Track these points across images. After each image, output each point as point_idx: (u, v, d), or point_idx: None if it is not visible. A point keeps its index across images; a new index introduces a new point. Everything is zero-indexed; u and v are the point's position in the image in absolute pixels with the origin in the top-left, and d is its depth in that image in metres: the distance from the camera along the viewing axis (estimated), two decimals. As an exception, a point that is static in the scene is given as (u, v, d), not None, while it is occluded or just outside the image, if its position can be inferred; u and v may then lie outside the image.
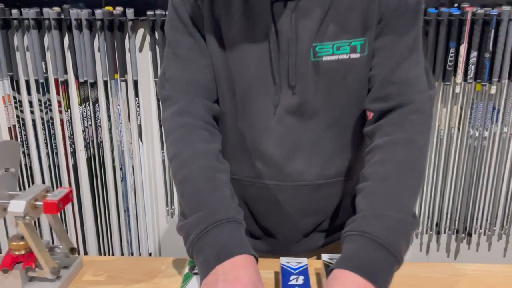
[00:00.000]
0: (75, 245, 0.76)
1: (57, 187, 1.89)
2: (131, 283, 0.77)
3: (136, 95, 1.78)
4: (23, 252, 0.70)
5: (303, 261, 0.76)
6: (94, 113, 1.81)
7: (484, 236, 1.91)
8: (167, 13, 0.82)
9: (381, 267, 0.60)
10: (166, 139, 0.79)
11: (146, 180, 1.91)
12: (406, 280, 0.78)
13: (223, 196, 0.69)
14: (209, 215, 0.65)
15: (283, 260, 0.76)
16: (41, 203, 0.65)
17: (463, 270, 0.80)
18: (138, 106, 1.80)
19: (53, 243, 0.79)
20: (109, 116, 1.81)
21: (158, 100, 1.78)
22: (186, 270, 0.73)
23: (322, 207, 0.88)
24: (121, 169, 1.88)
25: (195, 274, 0.71)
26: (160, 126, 1.81)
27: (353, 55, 0.74)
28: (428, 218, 1.88)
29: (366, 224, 0.63)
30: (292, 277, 0.71)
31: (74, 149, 1.86)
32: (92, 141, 1.84)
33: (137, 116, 1.81)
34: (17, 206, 0.62)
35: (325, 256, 0.77)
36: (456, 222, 1.88)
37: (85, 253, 1.98)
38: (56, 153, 1.86)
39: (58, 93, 1.79)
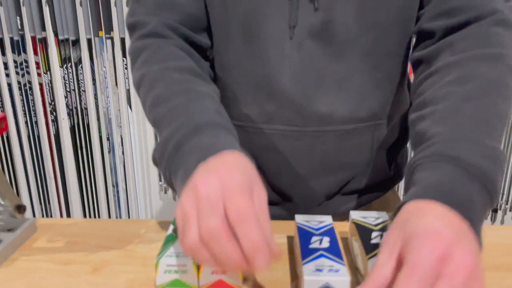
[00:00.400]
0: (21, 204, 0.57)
1: (36, 158, 1.70)
2: (98, 250, 0.58)
3: (124, 55, 1.58)
4: None
5: (327, 219, 0.57)
6: (77, 76, 1.61)
7: (510, 212, 1.73)
8: None
9: (476, 202, 0.42)
10: (131, 70, 0.64)
11: (137, 151, 1.71)
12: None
13: (203, 104, 0.55)
14: (186, 122, 0.52)
15: (300, 218, 0.57)
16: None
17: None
18: (126, 68, 1.60)
19: (-5, 199, 0.60)
20: (93, 80, 1.62)
21: (148, 59, 1.58)
22: (170, 231, 0.53)
23: (349, 161, 0.69)
24: (108, 139, 1.69)
25: (181, 235, 0.52)
26: (151, 90, 1.61)
27: None
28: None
29: (453, 148, 0.45)
30: (314, 238, 0.51)
31: (55, 116, 1.66)
32: (76, 107, 1.65)
33: (125, 80, 1.62)
34: None
35: (355, 214, 0.57)
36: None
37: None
38: (36, 122, 1.67)
39: (35, 53, 1.59)
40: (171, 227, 0.55)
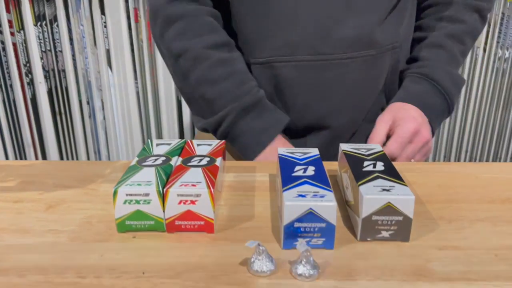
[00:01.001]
0: None
1: (13, 124, 1.62)
2: (54, 189, 0.51)
3: (102, 12, 1.49)
4: None
5: (313, 151, 0.50)
6: (53, 35, 1.52)
7: None
8: None
9: (438, 111, 0.69)
10: (162, 33, 0.67)
11: (119, 116, 1.63)
12: (464, 180, 0.53)
13: (249, 86, 0.65)
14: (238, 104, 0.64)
15: (282, 150, 0.50)
16: None
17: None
18: (105, 26, 1.51)
19: None
20: (70, 39, 1.52)
21: (128, 17, 1.49)
22: (133, 162, 0.47)
23: (373, 88, 0.70)
24: (88, 103, 1.60)
25: (146, 166, 0.45)
26: (132, 50, 1.53)
27: None
28: (445, 157, 1.64)
29: (434, 73, 0.69)
30: (298, 167, 0.45)
31: (31, 79, 1.57)
32: (53, 69, 1.56)
33: (105, 39, 1.52)
34: None
35: (345, 146, 0.51)
36: (477, 160, 1.65)
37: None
38: (11, 85, 1.58)
39: (8, 10, 1.49)
40: (136, 159, 0.48)
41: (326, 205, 0.38)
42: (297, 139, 0.69)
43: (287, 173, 0.44)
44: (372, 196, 0.39)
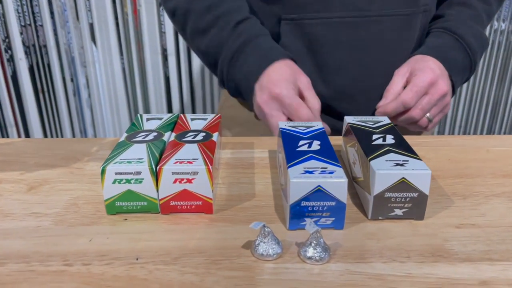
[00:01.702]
0: None
1: (-7, 102, 1.55)
2: (36, 168, 0.47)
3: (84, -17, 1.41)
4: None
5: (317, 124, 0.47)
6: (32, 8, 1.44)
7: None
8: None
9: (459, 65, 0.65)
10: None
11: (105, 93, 1.58)
12: (475, 154, 0.50)
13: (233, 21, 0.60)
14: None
15: (283, 124, 0.47)
16: None
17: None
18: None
19: None
20: (51, 13, 1.45)
21: (112, -11, 1.42)
22: (122, 138, 0.43)
23: (406, 49, 0.66)
24: (72, 80, 1.54)
25: (137, 142, 0.41)
26: (117, 25, 1.46)
27: None
28: (438, 132, 1.63)
29: (457, 27, 0.65)
30: (302, 142, 0.42)
31: (11, 55, 1.50)
32: (34, 45, 1.48)
33: (88, 13, 1.45)
34: None
35: (350, 119, 0.48)
36: (471, 134, 1.63)
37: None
38: (-10, 62, 1.50)
39: (-17, -18, 1.41)
40: (124, 135, 0.44)
41: (336, 182, 0.35)
42: (329, 104, 0.65)
43: (290, 148, 0.40)
44: (385, 171, 0.36)
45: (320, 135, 0.43)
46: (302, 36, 0.61)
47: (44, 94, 1.56)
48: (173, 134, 0.44)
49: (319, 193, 0.35)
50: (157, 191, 0.38)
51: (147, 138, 0.42)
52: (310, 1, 0.59)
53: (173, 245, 0.34)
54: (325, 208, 0.35)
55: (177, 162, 0.37)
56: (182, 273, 0.31)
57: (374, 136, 0.43)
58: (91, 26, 1.48)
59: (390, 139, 0.42)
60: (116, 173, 0.37)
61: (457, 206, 0.40)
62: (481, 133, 1.64)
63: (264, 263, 0.32)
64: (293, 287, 0.30)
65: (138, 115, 0.49)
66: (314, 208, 0.35)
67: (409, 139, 0.54)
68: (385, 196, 0.36)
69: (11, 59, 1.51)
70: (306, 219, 0.36)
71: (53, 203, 0.40)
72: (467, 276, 0.31)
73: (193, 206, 0.38)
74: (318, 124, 0.46)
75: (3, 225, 0.37)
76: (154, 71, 1.53)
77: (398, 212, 0.37)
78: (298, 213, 0.36)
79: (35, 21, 1.46)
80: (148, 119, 0.48)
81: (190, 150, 0.40)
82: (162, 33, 1.48)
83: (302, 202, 0.35)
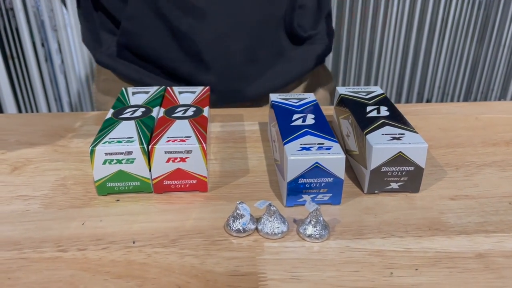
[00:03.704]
0: None
1: (-41, 70, 1.47)
2: (19, 147, 0.45)
3: None
4: None
5: (309, 96, 0.46)
6: (-5, -33, 1.34)
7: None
8: None
9: None
10: None
11: (79, 58, 1.51)
12: (465, 122, 0.50)
13: None
14: None
15: (274, 96, 0.45)
16: None
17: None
18: (55, -43, 1.34)
19: None
20: (16, -28, 1.36)
21: None
22: (108, 115, 0.41)
23: (271, 22, 0.57)
24: (43, 45, 1.47)
25: (127, 119, 0.40)
26: (88, -15, 1.38)
27: None
28: (418, 93, 1.64)
29: None
30: (296, 116, 0.41)
31: (-25, 19, 1.41)
32: (-1, 8, 1.40)
33: (56, -28, 1.36)
34: None
35: (342, 89, 0.47)
36: (448, 96, 1.65)
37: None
38: (-48, 26, 1.41)
39: None
40: (111, 111, 0.42)
41: (334, 158, 0.34)
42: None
43: (285, 123, 0.39)
44: (382, 145, 0.35)
45: (313, 108, 0.42)
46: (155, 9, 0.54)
47: (13, 60, 1.49)
48: (162, 110, 0.42)
49: (316, 169, 0.34)
50: (150, 170, 0.37)
51: (135, 115, 0.41)
52: None
53: (169, 226, 0.34)
54: (322, 184, 0.35)
55: (169, 140, 0.36)
56: (181, 255, 0.31)
57: (368, 108, 0.42)
58: (60, -14, 1.40)
59: (384, 111, 0.42)
60: (106, 153, 0.35)
61: (450, 177, 0.40)
62: (459, 94, 1.66)
63: (265, 241, 0.32)
64: (295, 266, 0.30)
65: (123, 88, 0.47)
66: (312, 185, 0.35)
67: (400, 107, 0.54)
68: (382, 170, 0.36)
69: (-24, 23, 1.42)
70: (303, 196, 0.35)
71: (39, 184, 0.39)
72: (464, 249, 0.31)
73: (187, 185, 0.37)
74: (311, 96, 0.45)
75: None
76: (129, 34, 1.47)
77: (394, 185, 0.37)
78: (295, 190, 0.35)
79: (-1, -18, 1.37)
80: (134, 93, 0.46)
81: (182, 127, 0.38)
82: (136, -6, 1.41)
83: (300, 179, 0.35)
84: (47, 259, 0.31)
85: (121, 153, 0.35)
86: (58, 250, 0.31)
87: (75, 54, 1.51)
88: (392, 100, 1.51)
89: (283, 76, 0.61)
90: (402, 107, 0.54)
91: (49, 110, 1.59)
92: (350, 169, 0.41)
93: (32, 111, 1.58)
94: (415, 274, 0.29)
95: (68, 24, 1.45)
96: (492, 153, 0.44)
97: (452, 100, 1.66)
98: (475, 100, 1.66)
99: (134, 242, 0.32)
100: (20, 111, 1.57)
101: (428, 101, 1.65)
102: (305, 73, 0.63)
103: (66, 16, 1.44)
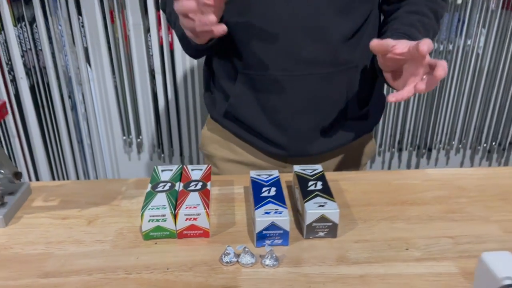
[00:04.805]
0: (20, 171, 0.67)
1: (-1, 119, 1.73)
2: (88, 206, 0.70)
3: (79, 13, 1.60)
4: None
5: (274, 173, 0.71)
6: (32, 35, 1.62)
7: (443, 151, 1.96)
8: None
9: None
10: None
11: (99, 108, 1.78)
12: (381, 187, 0.75)
13: None
14: None
15: (253, 173, 0.71)
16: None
17: (435, 175, 0.79)
18: (83, 26, 1.62)
19: (-7, 168, 0.69)
20: (49, 38, 1.63)
21: (104, 18, 1.61)
22: (148, 188, 0.66)
23: (331, 99, 0.85)
24: (70, 97, 1.74)
25: (159, 192, 0.65)
26: (109, 48, 1.66)
27: None
28: (390, 136, 1.89)
29: (408, 31, 0.76)
30: (264, 189, 0.66)
31: (13, 76, 1.68)
32: (34, 67, 1.67)
33: (82, 38, 1.64)
34: None
35: (297, 168, 0.72)
36: (417, 138, 1.91)
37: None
38: (-6, 82, 1.68)
39: (-13, 13, 1.58)
40: (149, 186, 0.67)
41: (283, 219, 0.59)
42: (270, 144, 0.87)
43: (257, 194, 0.64)
44: (312, 211, 0.60)
45: (276, 182, 0.68)
46: (252, 86, 0.83)
47: (44, 109, 1.75)
48: (181, 184, 0.67)
49: (273, 226, 0.59)
50: (175, 225, 0.61)
51: (165, 188, 0.66)
52: (256, 63, 0.80)
53: (187, 259, 0.58)
54: (277, 234, 0.60)
55: (187, 207, 0.61)
56: (194, 276, 0.56)
57: (310, 183, 0.67)
58: (86, 49, 1.67)
59: (319, 185, 0.67)
60: (150, 216, 0.60)
61: (359, 227, 0.65)
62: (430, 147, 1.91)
63: (243, 268, 0.57)
64: (259, 283, 0.54)
65: (155, 167, 0.73)
66: (270, 234, 0.60)
67: (340, 174, 0.79)
68: (312, 225, 0.61)
69: (14, 79, 1.69)
70: (266, 240, 0.60)
71: (107, 232, 0.64)
72: (353, 272, 0.56)
73: (197, 234, 0.62)
74: (275, 173, 0.71)
75: (81, 249, 0.60)
76: (142, 88, 1.74)
77: (321, 233, 0.62)
78: (261, 237, 0.60)
79: (35, 46, 1.64)
80: (162, 170, 0.71)
81: (194, 198, 0.63)
82: (149, 55, 1.68)
83: (263, 231, 0.60)
84: (120, 278, 0.55)
85: (159, 216, 0.60)
86: (125, 273, 0.56)
87: (96, 104, 1.77)
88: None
89: (338, 141, 0.88)
90: (340, 175, 0.79)
91: (72, 150, 1.84)
92: (298, 221, 0.66)
93: (58, 152, 1.83)
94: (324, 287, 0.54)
95: (91, 79, 1.72)
96: (390, 211, 0.69)
97: (420, 141, 1.91)
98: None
99: (168, 269, 0.57)
100: (47, 151, 1.82)
101: (399, 142, 1.90)
102: (356, 138, 0.90)
103: (90, 73, 1.71)
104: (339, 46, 0.80)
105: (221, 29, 0.65)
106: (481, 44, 1.72)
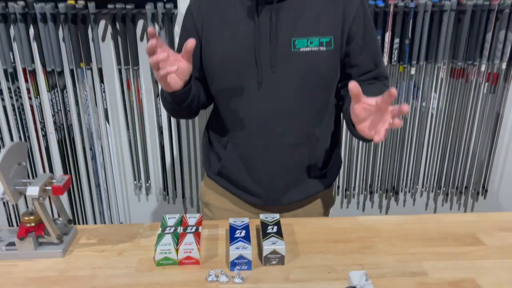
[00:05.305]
0: (70, 217, 1.00)
1: (31, 167, 2.07)
2: (118, 243, 1.01)
3: (101, 81, 1.95)
4: (33, 224, 0.93)
5: (246, 220, 1.03)
6: (63, 99, 1.97)
7: (409, 194, 2.27)
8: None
9: None
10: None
11: (114, 158, 2.11)
12: (321, 229, 1.07)
13: None
14: None
15: (231, 220, 1.03)
16: (50, 188, 0.88)
17: (362, 221, 1.10)
18: (104, 92, 1.97)
19: (53, 216, 1.02)
20: (77, 102, 1.98)
21: (122, 85, 1.96)
22: (159, 231, 0.98)
23: (298, 162, 1.15)
24: (90, 149, 2.07)
25: (167, 234, 0.97)
26: (125, 109, 2.00)
27: (322, 48, 1.04)
28: (362, 180, 2.20)
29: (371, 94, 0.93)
30: (237, 231, 0.98)
31: (45, 132, 2.02)
32: (62, 124, 2.01)
33: (103, 101, 1.99)
34: (32, 190, 0.85)
35: (262, 216, 1.04)
36: (386, 183, 2.21)
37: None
38: (28, 136, 2.03)
39: (26, 81, 1.94)
40: (160, 229, 0.99)
41: (247, 252, 0.91)
42: (252, 196, 1.19)
43: (232, 235, 0.96)
44: (268, 247, 0.92)
45: (246, 227, 0.99)
46: (239, 152, 1.14)
47: (68, 159, 2.08)
48: (181, 228, 0.99)
49: (241, 257, 0.91)
50: (177, 256, 0.93)
51: (170, 231, 0.98)
52: (241, 135, 1.12)
53: (186, 279, 0.89)
54: (243, 262, 0.91)
55: (185, 244, 0.93)
56: (189, 289, 0.87)
57: (269, 227, 0.99)
58: (106, 110, 2.02)
59: (275, 229, 0.98)
60: (161, 250, 0.92)
61: (300, 258, 0.96)
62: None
63: (220, 284, 0.88)
64: (229, 293, 0.85)
65: (164, 215, 1.04)
66: (239, 262, 0.91)
67: (294, 220, 1.11)
68: (268, 256, 0.92)
69: (45, 135, 2.03)
70: (236, 266, 0.92)
71: (132, 262, 0.95)
72: (293, 286, 0.87)
73: (191, 262, 0.93)
74: (246, 220, 1.02)
75: (119, 272, 0.92)
76: (152, 142, 2.08)
77: (274, 261, 0.93)
78: (233, 263, 0.91)
79: (64, 108, 1.99)
80: (169, 218, 1.03)
81: (190, 238, 0.95)
82: (158, 115, 2.03)
83: (235, 260, 0.91)
84: (141, 290, 0.86)
85: (166, 250, 0.92)
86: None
87: (112, 155, 2.10)
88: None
89: (304, 193, 1.19)
90: (295, 220, 1.10)
91: (90, 192, 2.15)
92: (260, 253, 0.97)
93: (79, 195, 2.15)
94: (269, 295, 0.85)
95: (109, 134, 2.06)
96: (323, 246, 1.00)
97: (388, 185, 2.22)
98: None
99: (171, 285, 0.88)
100: (69, 194, 2.14)
101: (371, 186, 2.21)
102: (318, 192, 1.21)
103: (108, 129, 2.05)
104: (304, 124, 1.11)
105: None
106: (434, 105, 2.06)
